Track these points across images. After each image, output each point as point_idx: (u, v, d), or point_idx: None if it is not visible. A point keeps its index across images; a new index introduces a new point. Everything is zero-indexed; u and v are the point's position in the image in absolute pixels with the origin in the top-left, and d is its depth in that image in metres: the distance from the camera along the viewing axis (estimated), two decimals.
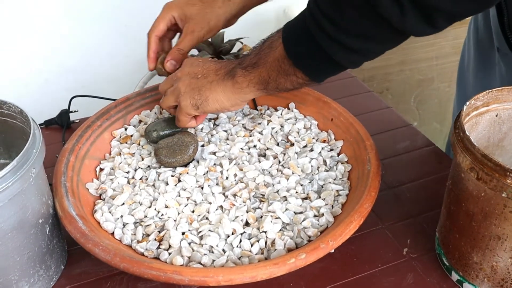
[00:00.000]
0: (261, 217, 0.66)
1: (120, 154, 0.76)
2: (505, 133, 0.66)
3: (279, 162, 0.74)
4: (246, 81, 0.65)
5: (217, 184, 0.71)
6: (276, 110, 0.84)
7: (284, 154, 0.75)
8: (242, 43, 1.31)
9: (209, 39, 1.12)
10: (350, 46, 0.54)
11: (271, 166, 0.73)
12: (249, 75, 0.65)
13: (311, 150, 0.76)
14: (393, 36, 0.53)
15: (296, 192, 0.69)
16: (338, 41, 0.54)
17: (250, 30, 1.50)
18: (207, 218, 0.66)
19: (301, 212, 0.66)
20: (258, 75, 0.64)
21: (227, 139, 0.79)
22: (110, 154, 0.77)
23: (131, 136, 0.79)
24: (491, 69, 0.90)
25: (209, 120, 0.83)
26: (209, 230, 0.63)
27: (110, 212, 0.66)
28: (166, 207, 0.67)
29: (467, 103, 0.60)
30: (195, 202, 0.68)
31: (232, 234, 0.63)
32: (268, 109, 0.85)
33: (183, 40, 0.78)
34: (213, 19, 0.79)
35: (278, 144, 0.78)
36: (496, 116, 0.64)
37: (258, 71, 0.64)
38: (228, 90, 0.67)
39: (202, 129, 0.80)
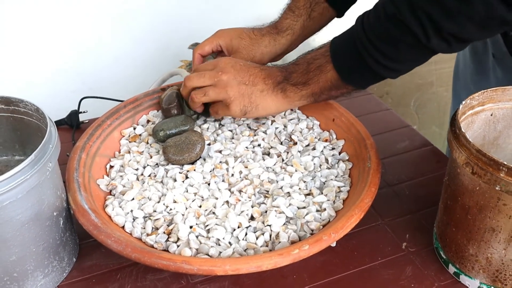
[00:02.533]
0: (266, 211, 0.68)
1: (129, 152, 0.79)
2: (500, 132, 0.69)
3: (283, 160, 0.77)
4: (298, 96, 0.73)
5: (223, 180, 0.73)
6: None
7: (288, 152, 0.78)
8: None
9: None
10: (400, 70, 0.66)
11: (275, 164, 0.76)
12: (300, 91, 0.72)
13: (314, 148, 0.79)
14: (429, 57, 0.64)
15: (299, 188, 0.72)
16: (391, 68, 0.65)
17: None
18: (213, 213, 0.68)
19: (304, 207, 0.69)
20: (310, 91, 0.72)
21: (232, 138, 0.82)
22: (119, 152, 0.80)
23: (140, 135, 0.82)
24: (486, 72, 0.93)
25: (215, 120, 0.85)
26: (216, 224, 0.66)
27: (120, 207, 0.69)
28: (174, 202, 0.69)
29: (463, 102, 0.63)
30: (202, 197, 0.70)
31: (238, 227, 0.66)
32: None
33: None
34: (257, 56, 0.85)
35: (281, 143, 0.80)
36: (491, 115, 0.67)
37: (310, 88, 0.72)
38: (279, 101, 0.74)
39: (208, 128, 0.83)
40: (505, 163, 0.52)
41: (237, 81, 0.73)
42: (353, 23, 0.68)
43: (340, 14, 0.87)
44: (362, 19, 0.66)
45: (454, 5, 0.56)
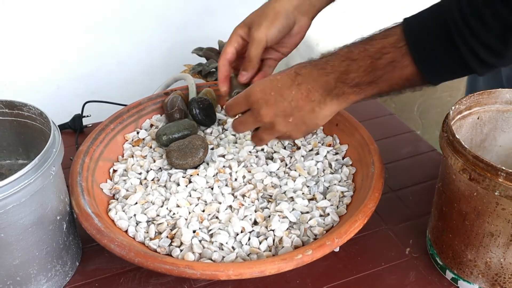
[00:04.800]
0: (269, 216, 0.68)
1: (132, 156, 0.79)
2: (486, 135, 0.69)
3: (286, 164, 0.77)
4: (361, 96, 0.60)
5: (226, 185, 0.73)
6: None
7: (291, 157, 0.78)
8: None
9: (218, 48, 1.15)
10: (498, 66, 0.53)
11: (278, 169, 0.76)
12: (364, 92, 0.59)
13: (317, 153, 0.79)
14: None
15: (303, 193, 0.72)
16: (490, 64, 0.52)
17: None
18: (217, 217, 0.68)
19: (307, 212, 0.69)
20: (377, 90, 0.58)
21: (236, 142, 0.82)
22: (123, 156, 0.80)
23: (143, 139, 0.82)
24: (497, 71, 0.92)
25: (218, 124, 0.85)
26: (219, 228, 0.66)
27: (123, 211, 0.69)
28: (178, 206, 0.69)
29: (452, 107, 0.63)
30: (206, 202, 0.70)
31: (241, 232, 0.66)
32: None
33: (249, 50, 0.73)
34: (270, 12, 0.72)
35: (285, 148, 0.80)
36: (478, 118, 0.67)
37: (377, 87, 0.58)
38: (336, 106, 0.62)
39: (211, 132, 0.83)
40: (504, 168, 0.52)
41: (281, 117, 0.63)
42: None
43: None
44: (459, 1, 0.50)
45: None
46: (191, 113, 0.83)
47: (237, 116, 0.69)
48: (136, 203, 0.70)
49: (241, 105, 0.66)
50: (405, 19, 0.55)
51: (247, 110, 0.66)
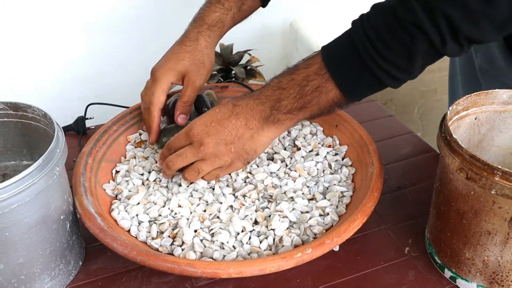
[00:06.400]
0: (269, 216, 0.69)
1: (134, 157, 0.80)
2: (483, 135, 0.70)
3: (286, 165, 0.78)
4: (295, 120, 0.66)
5: (227, 185, 0.74)
6: None
7: (291, 158, 0.79)
8: (250, 54, 1.36)
9: (219, 51, 1.16)
10: (408, 78, 0.60)
11: (278, 169, 0.77)
12: (296, 117, 0.65)
13: (317, 154, 0.80)
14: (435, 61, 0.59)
15: (303, 193, 0.73)
16: (400, 79, 0.60)
17: (257, 42, 1.55)
18: (218, 217, 0.69)
19: (307, 212, 0.70)
20: (308, 114, 0.64)
21: None
22: (125, 157, 0.81)
23: (145, 140, 0.83)
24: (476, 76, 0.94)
25: None
26: (220, 228, 0.67)
27: (126, 211, 0.70)
28: (179, 206, 0.70)
29: (450, 108, 0.64)
30: (207, 202, 0.71)
31: (242, 231, 0.67)
32: None
33: (186, 92, 0.81)
34: (206, 59, 0.83)
35: (285, 149, 0.81)
36: (475, 119, 0.68)
37: (308, 111, 0.64)
38: (273, 133, 0.67)
39: None
40: (500, 167, 0.53)
41: (223, 146, 0.67)
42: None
43: (265, 4, 0.87)
44: (362, 25, 0.58)
45: (477, 6, 0.52)
46: (201, 106, 0.84)
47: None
48: (139, 203, 0.71)
49: (182, 140, 0.69)
50: (323, 48, 0.63)
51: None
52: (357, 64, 0.59)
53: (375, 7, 0.59)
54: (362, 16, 0.60)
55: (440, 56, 0.57)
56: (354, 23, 0.60)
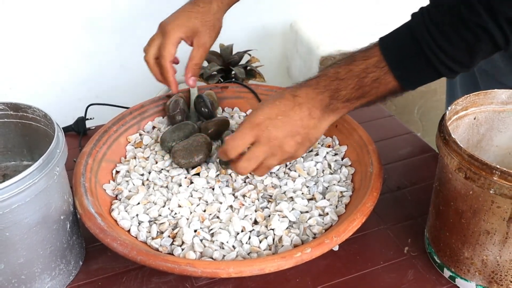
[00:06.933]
0: (269, 216, 0.69)
1: (135, 157, 0.80)
2: (482, 135, 0.70)
3: (286, 165, 0.78)
4: (351, 108, 0.67)
5: (227, 185, 0.74)
6: None
7: None
8: (250, 55, 1.36)
9: (219, 51, 1.16)
10: (467, 71, 0.62)
11: (278, 169, 0.77)
12: (354, 105, 0.66)
13: (317, 154, 0.80)
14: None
15: (302, 193, 0.73)
16: (458, 72, 0.61)
17: (257, 43, 1.55)
18: (218, 217, 0.69)
19: (306, 212, 0.70)
20: (365, 102, 0.66)
21: None
22: (125, 157, 0.81)
23: (145, 141, 0.83)
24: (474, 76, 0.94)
25: None
26: (220, 228, 0.67)
27: (126, 211, 0.70)
28: (179, 206, 0.71)
29: (449, 108, 0.64)
30: (207, 202, 0.72)
31: (242, 231, 0.67)
32: None
33: (198, 54, 0.82)
34: (216, 23, 0.83)
35: None
36: (474, 119, 0.69)
37: (365, 100, 0.65)
38: (331, 120, 0.68)
39: None
40: (498, 166, 0.53)
41: (290, 137, 0.66)
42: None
43: None
44: (424, 21, 0.59)
45: None
46: (200, 105, 0.85)
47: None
48: (139, 203, 0.71)
49: (247, 135, 0.66)
50: (381, 40, 0.64)
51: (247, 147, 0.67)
52: (418, 58, 0.60)
53: (436, 4, 0.60)
54: (422, 10, 0.61)
55: (498, 51, 0.59)
56: (414, 16, 0.61)
